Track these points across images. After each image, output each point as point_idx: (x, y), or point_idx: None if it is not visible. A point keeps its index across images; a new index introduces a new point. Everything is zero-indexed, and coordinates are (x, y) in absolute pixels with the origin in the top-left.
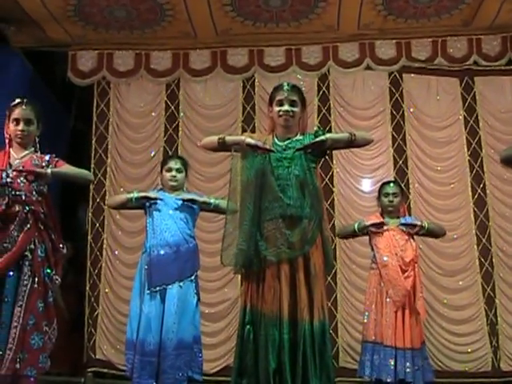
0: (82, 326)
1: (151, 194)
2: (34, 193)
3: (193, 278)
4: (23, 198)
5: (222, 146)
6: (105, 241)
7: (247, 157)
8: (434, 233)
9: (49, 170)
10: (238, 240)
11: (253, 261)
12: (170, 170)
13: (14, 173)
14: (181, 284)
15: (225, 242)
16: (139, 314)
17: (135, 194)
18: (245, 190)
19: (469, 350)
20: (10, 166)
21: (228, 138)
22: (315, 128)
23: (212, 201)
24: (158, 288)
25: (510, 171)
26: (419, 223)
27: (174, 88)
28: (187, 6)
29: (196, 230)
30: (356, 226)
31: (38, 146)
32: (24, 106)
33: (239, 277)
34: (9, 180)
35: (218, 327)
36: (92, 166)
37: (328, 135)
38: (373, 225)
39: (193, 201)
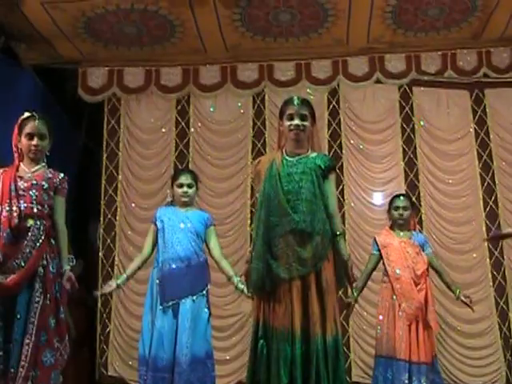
0: (94, 342)
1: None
2: (45, 206)
3: (204, 292)
4: (35, 210)
5: None
6: (116, 257)
7: (265, 180)
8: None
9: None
10: (252, 259)
11: (265, 280)
12: (181, 185)
13: (26, 184)
14: (194, 298)
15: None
16: (151, 329)
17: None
18: (259, 209)
19: (482, 364)
20: (20, 178)
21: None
22: (327, 147)
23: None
24: (170, 303)
25: None
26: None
27: (184, 104)
28: (197, 21)
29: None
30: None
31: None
32: (38, 121)
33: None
34: (20, 192)
35: (230, 342)
36: (103, 182)
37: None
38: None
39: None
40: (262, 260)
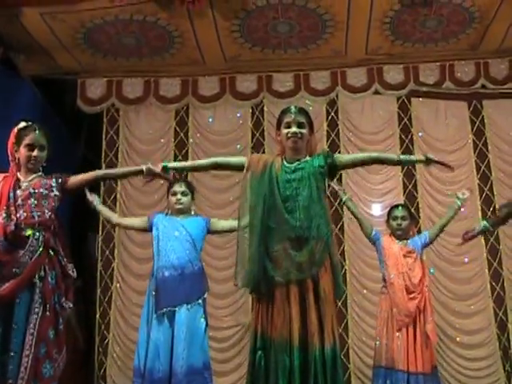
0: (92, 353)
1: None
2: (46, 211)
3: (200, 301)
4: (35, 218)
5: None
6: (115, 268)
7: (255, 177)
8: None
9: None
10: (248, 261)
11: (261, 282)
12: (174, 193)
13: (24, 194)
14: (188, 307)
15: (238, 263)
16: (147, 340)
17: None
18: (253, 211)
19: (481, 375)
20: (19, 188)
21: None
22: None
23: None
24: (164, 310)
25: None
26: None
27: (183, 115)
28: (195, 32)
29: (206, 256)
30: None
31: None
32: (37, 132)
33: (250, 303)
34: (19, 202)
35: (229, 354)
36: (102, 193)
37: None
38: None
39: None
40: (258, 264)
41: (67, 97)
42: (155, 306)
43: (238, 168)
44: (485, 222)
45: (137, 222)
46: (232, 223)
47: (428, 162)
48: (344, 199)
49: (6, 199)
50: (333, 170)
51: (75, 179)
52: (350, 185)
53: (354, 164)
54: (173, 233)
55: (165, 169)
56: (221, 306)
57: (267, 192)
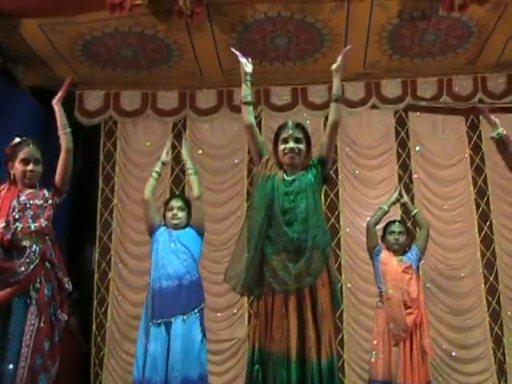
0: (88, 366)
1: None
2: (42, 220)
3: (197, 312)
4: (32, 228)
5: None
6: (111, 280)
7: (263, 178)
8: (419, 224)
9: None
10: (242, 267)
11: (253, 289)
12: (171, 208)
13: (21, 207)
14: (184, 318)
15: (231, 262)
16: (144, 352)
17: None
18: (252, 218)
19: None
20: (18, 200)
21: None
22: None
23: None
24: (160, 320)
25: None
26: (410, 206)
27: (180, 127)
28: (193, 45)
29: (202, 269)
30: (385, 206)
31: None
32: (31, 146)
33: (246, 316)
34: (17, 215)
35: (225, 367)
36: (99, 205)
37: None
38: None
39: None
40: (253, 270)
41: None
42: (151, 315)
43: (258, 151)
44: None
45: (154, 210)
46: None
47: None
48: (414, 212)
49: (8, 208)
50: (324, 170)
51: (56, 175)
52: (346, 199)
53: (328, 144)
54: (169, 245)
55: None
56: (217, 319)
57: (268, 201)
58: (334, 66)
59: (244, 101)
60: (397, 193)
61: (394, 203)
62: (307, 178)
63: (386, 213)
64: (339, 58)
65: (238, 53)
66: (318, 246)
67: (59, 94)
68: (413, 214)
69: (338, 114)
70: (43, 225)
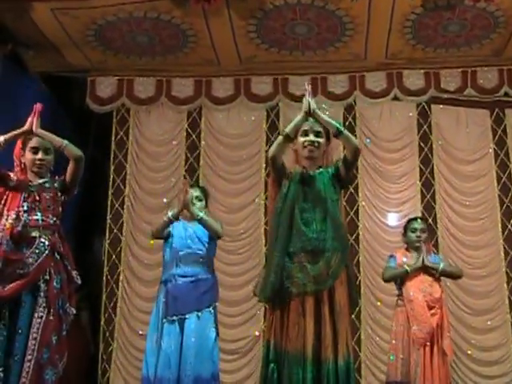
0: (96, 362)
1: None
2: (50, 216)
3: (211, 309)
4: (40, 222)
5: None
6: (121, 273)
7: (285, 183)
8: (449, 275)
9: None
10: (268, 271)
11: (279, 293)
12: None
13: (31, 198)
14: (199, 314)
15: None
16: (156, 349)
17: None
18: (278, 219)
19: None
20: (29, 191)
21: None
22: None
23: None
24: (174, 317)
25: None
26: (435, 266)
27: (195, 116)
28: (210, 32)
29: (217, 262)
30: (408, 269)
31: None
32: None
33: (262, 312)
34: (26, 206)
35: (238, 365)
36: (110, 195)
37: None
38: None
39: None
40: (280, 273)
41: (76, 95)
42: (165, 312)
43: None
44: None
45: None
46: (217, 225)
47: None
48: (441, 268)
49: (19, 200)
50: (341, 180)
51: (67, 175)
52: (365, 193)
53: (346, 173)
54: (186, 241)
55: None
56: (231, 313)
57: (292, 202)
58: (304, 109)
59: (284, 133)
60: (421, 259)
61: (418, 269)
62: (327, 177)
63: (407, 275)
64: (304, 101)
65: (309, 89)
66: (338, 247)
67: (34, 122)
68: (440, 269)
69: (352, 143)
70: (51, 221)
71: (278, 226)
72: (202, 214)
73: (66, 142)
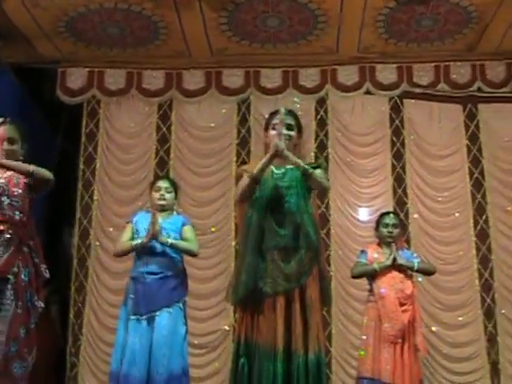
0: (65, 356)
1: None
2: (17, 212)
3: (181, 305)
4: (6, 217)
5: (256, 183)
6: (90, 266)
7: (261, 181)
8: (423, 272)
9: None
10: (240, 270)
11: (252, 294)
12: (158, 189)
13: None
14: (170, 310)
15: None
16: (124, 344)
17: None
18: (249, 217)
19: None
20: None
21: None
22: (313, 158)
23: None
24: (144, 316)
25: None
26: (409, 264)
27: (166, 109)
28: (182, 24)
29: (187, 256)
30: (377, 267)
31: None
32: (8, 125)
33: (232, 306)
34: None
35: (208, 359)
36: (79, 187)
37: (286, 152)
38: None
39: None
40: (253, 274)
41: (47, 86)
42: (134, 310)
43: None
44: None
45: (127, 235)
46: (189, 245)
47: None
48: (417, 266)
49: None
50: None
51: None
52: (337, 187)
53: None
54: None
55: None
56: (202, 307)
57: (260, 199)
58: (272, 151)
59: (251, 176)
60: (392, 257)
61: (387, 267)
62: (297, 173)
63: (376, 273)
64: (273, 141)
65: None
66: (311, 245)
67: None
68: (416, 268)
69: (322, 185)
70: (17, 217)
71: (249, 224)
72: (170, 240)
73: (33, 167)
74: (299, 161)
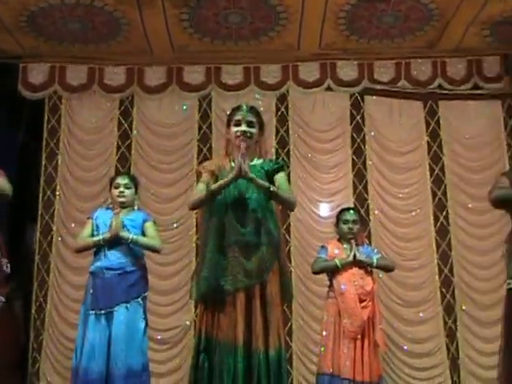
0: (27, 352)
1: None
2: None
3: (140, 300)
4: None
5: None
6: (52, 261)
7: (223, 178)
8: (382, 269)
9: None
10: (201, 267)
11: (214, 290)
12: (117, 186)
13: None
14: (128, 306)
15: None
16: (84, 339)
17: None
18: (209, 213)
19: None
20: None
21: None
22: (274, 156)
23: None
24: (102, 311)
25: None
26: (369, 261)
27: (127, 105)
28: (143, 20)
29: (149, 253)
30: (338, 263)
31: None
32: None
33: (193, 302)
34: None
35: (169, 354)
36: (41, 183)
37: (251, 175)
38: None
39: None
40: (214, 270)
41: (8, 81)
42: (93, 305)
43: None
44: None
45: (88, 231)
46: (151, 241)
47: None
48: (375, 262)
49: None
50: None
51: None
52: (298, 183)
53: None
54: None
55: None
56: (163, 303)
57: (222, 196)
58: (236, 172)
59: (209, 191)
60: (352, 253)
61: (349, 263)
62: (261, 169)
63: (337, 269)
64: (236, 162)
65: (242, 149)
66: (272, 241)
67: None
68: (375, 264)
69: (288, 204)
70: None
71: (209, 220)
72: (131, 236)
73: None
74: (264, 183)
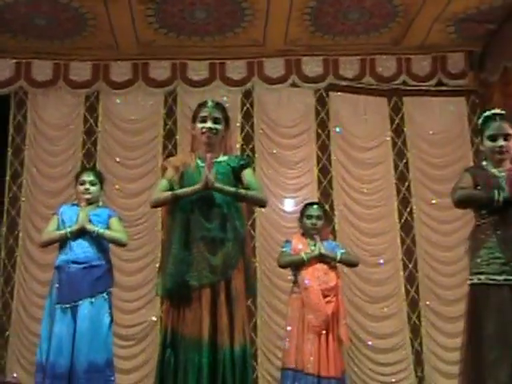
0: None
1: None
2: None
3: (105, 295)
4: None
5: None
6: (18, 257)
7: (188, 175)
8: (346, 263)
9: None
10: (166, 263)
11: (179, 287)
12: (83, 182)
13: None
14: (92, 300)
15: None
16: (49, 334)
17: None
18: (178, 210)
19: (393, 380)
20: None
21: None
22: (239, 152)
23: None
24: (67, 305)
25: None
26: (332, 255)
27: (93, 100)
28: (109, 15)
29: (114, 247)
30: (305, 256)
31: None
32: None
33: (159, 298)
34: None
35: (134, 350)
36: (7, 178)
37: (217, 185)
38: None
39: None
40: (179, 266)
41: None
42: (58, 299)
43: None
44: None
45: (53, 226)
46: (117, 235)
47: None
48: (339, 257)
49: None
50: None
51: None
52: (263, 178)
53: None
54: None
55: None
56: (129, 298)
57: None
58: (202, 183)
59: (174, 195)
60: (318, 247)
61: (315, 257)
62: (227, 165)
63: (303, 263)
64: (203, 174)
65: (208, 161)
66: (238, 237)
67: None
68: (338, 259)
69: (257, 202)
70: None
71: (174, 216)
72: (97, 229)
73: None
74: (229, 189)
